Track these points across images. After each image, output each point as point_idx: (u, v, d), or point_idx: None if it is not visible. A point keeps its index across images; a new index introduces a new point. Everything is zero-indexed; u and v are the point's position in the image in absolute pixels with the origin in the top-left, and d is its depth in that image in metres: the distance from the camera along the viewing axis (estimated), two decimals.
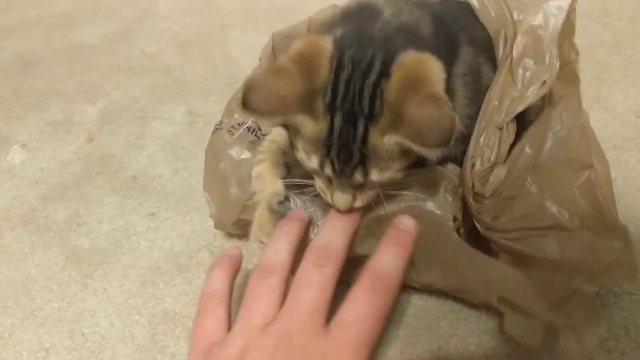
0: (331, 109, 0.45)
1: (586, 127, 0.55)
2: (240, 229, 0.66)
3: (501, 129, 0.56)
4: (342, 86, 0.45)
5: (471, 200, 0.55)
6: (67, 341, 0.62)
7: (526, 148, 0.55)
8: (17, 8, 1.27)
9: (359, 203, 0.51)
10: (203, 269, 0.68)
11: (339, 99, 0.45)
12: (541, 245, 0.53)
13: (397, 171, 0.48)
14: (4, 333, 0.63)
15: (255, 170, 0.55)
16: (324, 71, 0.45)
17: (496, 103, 0.57)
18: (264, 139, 0.60)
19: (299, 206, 0.57)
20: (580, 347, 0.51)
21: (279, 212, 0.56)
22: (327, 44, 0.47)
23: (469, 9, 0.66)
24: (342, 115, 0.45)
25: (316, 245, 0.50)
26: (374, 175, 0.47)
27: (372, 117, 0.44)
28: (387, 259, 0.47)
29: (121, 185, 0.81)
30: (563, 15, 0.58)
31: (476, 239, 0.56)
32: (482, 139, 0.56)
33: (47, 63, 1.09)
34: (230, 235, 0.71)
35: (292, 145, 0.51)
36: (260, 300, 0.46)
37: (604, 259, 0.51)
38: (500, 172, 0.54)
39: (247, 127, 0.65)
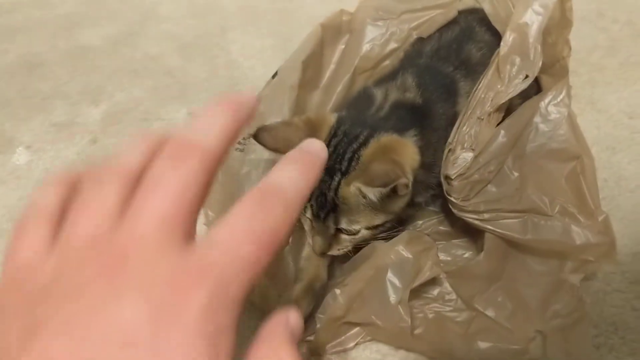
0: None
1: (573, 118, 0.57)
2: None
3: (482, 119, 0.59)
4: (331, 149, 0.57)
5: (443, 182, 0.59)
6: None
7: (500, 136, 0.58)
8: (21, 10, 1.29)
9: (334, 251, 0.60)
10: None
11: None
12: (513, 227, 0.56)
13: (366, 229, 0.58)
14: None
15: (306, 252, 0.65)
16: (323, 135, 0.58)
17: (482, 96, 0.59)
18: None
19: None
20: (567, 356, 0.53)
21: (316, 294, 0.62)
22: (332, 118, 0.61)
23: (469, 26, 0.72)
24: (325, 169, 0.55)
25: (174, 137, 0.31)
26: (343, 224, 0.57)
27: (346, 173, 0.56)
28: (286, 175, 0.28)
29: None
30: (548, 13, 0.59)
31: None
32: (464, 128, 0.59)
33: (52, 65, 1.10)
34: None
35: None
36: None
37: (578, 241, 0.54)
38: (466, 156, 0.58)
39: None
